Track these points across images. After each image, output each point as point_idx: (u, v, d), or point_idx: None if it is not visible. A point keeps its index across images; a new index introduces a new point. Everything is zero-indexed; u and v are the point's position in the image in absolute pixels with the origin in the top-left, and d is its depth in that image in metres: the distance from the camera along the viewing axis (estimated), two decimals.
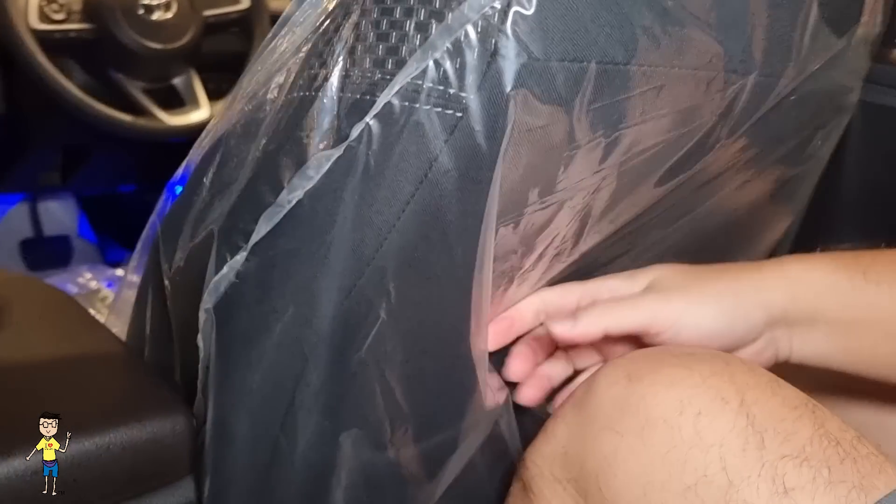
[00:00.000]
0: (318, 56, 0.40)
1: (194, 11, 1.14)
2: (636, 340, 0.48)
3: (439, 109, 0.36)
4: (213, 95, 1.22)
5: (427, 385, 0.44)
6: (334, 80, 0.38)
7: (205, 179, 0.46)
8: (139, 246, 0.58)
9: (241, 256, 0.41)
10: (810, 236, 0.78)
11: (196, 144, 0.51)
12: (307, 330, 0.41)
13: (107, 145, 1.53)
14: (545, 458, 0.44)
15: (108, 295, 1.10)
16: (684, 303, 0.46)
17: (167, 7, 1.11)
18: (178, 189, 0.52)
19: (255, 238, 0.40)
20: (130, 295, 0.61)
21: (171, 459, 0.49)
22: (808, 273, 0.46)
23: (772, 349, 0.46)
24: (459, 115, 0.36)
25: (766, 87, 0.46)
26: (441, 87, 0.36)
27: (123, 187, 1.75)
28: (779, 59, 0.44)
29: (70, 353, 0.54)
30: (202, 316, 0.44)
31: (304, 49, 0.41)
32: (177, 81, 1.18)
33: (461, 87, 0.36)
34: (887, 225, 0.82)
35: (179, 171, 0.53)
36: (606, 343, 0.49)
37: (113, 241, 1.78)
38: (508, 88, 0.35)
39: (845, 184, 0.81)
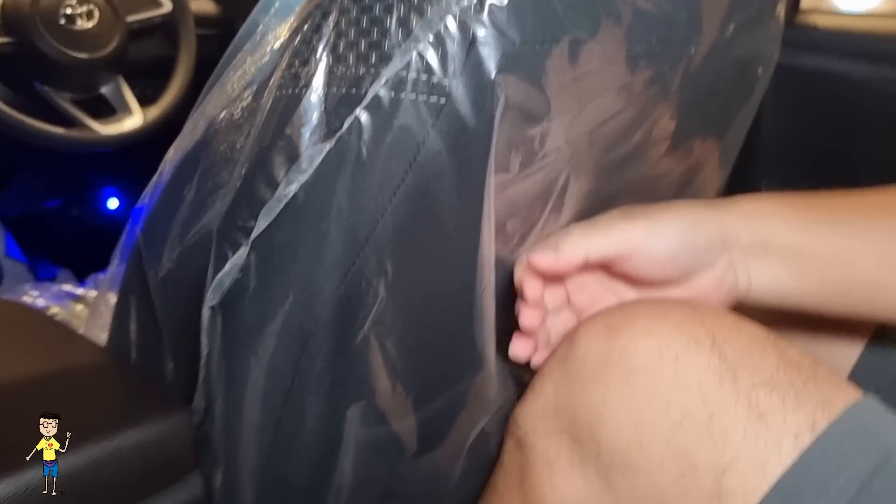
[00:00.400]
0: (299, 55, 0.42)
1: (117, 18, 1.12)
2: (608, 271, 0.52)
3: (424, 97, 0.39)
4: (143, 101, 1.20)
5: (426, 355, 0.47)
6: (319, 76, 0.41)
7: (188, 185, 0.47)
8: (116, 257, 0.59)
9: (242, 252, 0.42)
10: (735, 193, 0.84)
11: (170, 154, 0.52)
12: (307, 315, 0.44)
13: (32, 162, 1.48)
14: (536, 415, 0.48)
15: (58, 311, 1.07)
16: (650, 221, 0.48)
17: (89, 15, 1.09)
18: (156, 198, 0.52)
19: (255, 233, 0.42)
20: (108, 305, 0.61)
21: (176, 457, 0.50)
22: (755, 205, 0.49)
23: (731, 275, 0.49)
24: (443, 100, 0.39)
25: (705, 51, 0.50)
26: (425, 77, 0.38)
27: (49, 203, 1.71)
28: (721, 18, 0.48)
29: (59, 366, 0.54)
30: (206, 313, 0.45)
31: (283, 50, 0.43)
32: (105, 90, 1.16)
33: (444, 75, 0.38)
34: (804, 178, 0.89)
35: (153, 182, 0.54)
36: (580, 279, 0.52)
37: (43, 259, 1.73)
38: (492, 73, 0.38)
39: (764, 143, 0.88)
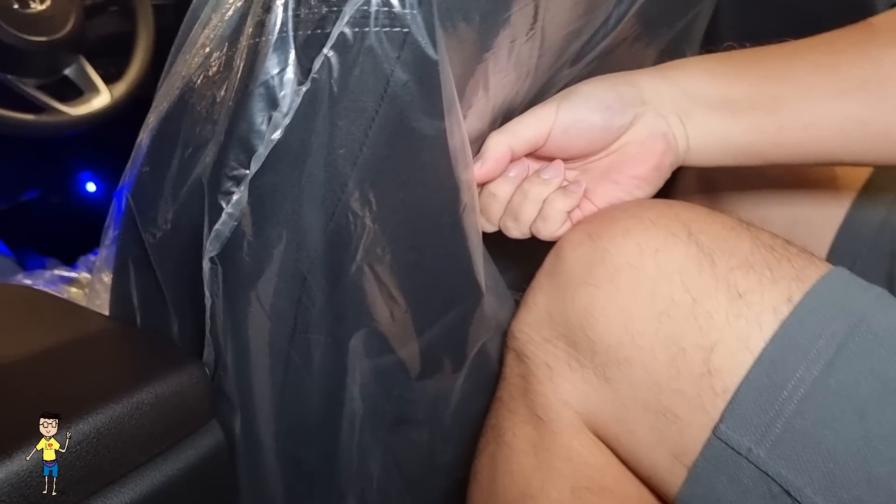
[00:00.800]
0: (262, 4, 0.43)
1: None
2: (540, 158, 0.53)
3: (387, 28, 0.40)
4: (109, 79, 1.20)
5: (420, 278, 0.49)
6: (286, 21, 0.42)
7: (174, 145, 0.49)
8: (107, 233, 0.60)
9: (235, 199, 0.44)
10: None
11: (149, 119, 0.53)
12: (301, 253, 0.46)
13: (4, 155, 1.48)
14: (531, 325, 0.50)
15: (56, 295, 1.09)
16: (559, 99, 0.49)
17: None
18: (141, 164, 0.53)
19: (246, 180, 0.43)
20: (104, 284, 0.63)
21: (195, 407, 0.53)
22: (675, 63, 0.50)
23: (662, 124, 0.49)
24: (406, 30, 0.40)
25: None
26: (386, 9, 0.40)
27: (28, 194, 1.70)
28: None
29: (71, 337, 0.56)
30: (206, 265, 0.47)
31: (247, 1, 0.44)
32: (69, 72, 1.15)
33: (403, 5, 0.40)
34: None
35: (136, 149, 0.55)
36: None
37: (29, 250, 1.73)
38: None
39: (722, 43, 0.89)
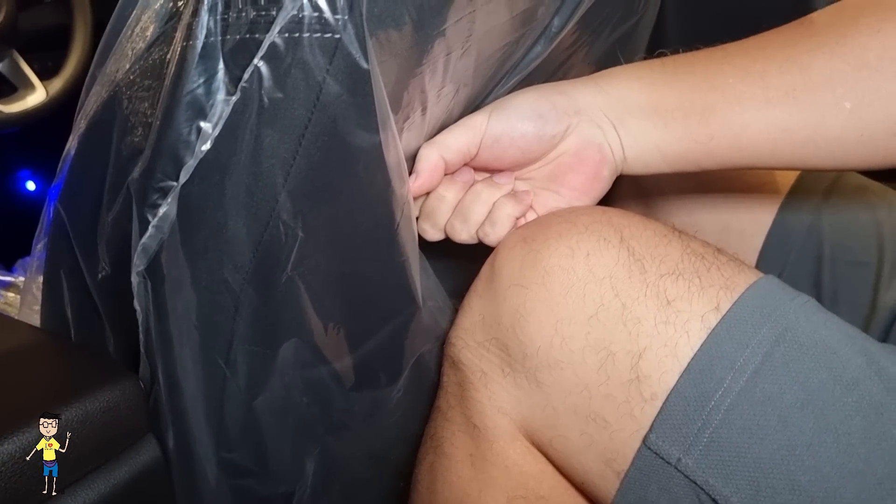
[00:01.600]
0: (188, 7, 0.41)
1: None
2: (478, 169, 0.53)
3: (318, 35, 0.39)
4: (45, 74, 1.16)
5: (353, 289, 0.49)
6: (213, 25, 0.40)
7: (106, 153, 0.47)
8: (39, 237, 0.58)
9: (162, 212, 0.43)
10: None
11: (79, 123, 0.51)
12: (230, 266, 0.45)
13: None
14: (466, 330, 0.50)
15: None
16: (490, 108, 0.50)
17: None
18: (72, 172, 0.52)
19: (173, 194, 0.42)
20: (39, 288, 0.61)
21: (129, 423, 0.51)
22: (610, 71, 0.50)
23: (598, 134, 0.49)
24: (338, 36, 0.39)
25: None
26: (317, 14, 0.39)
27: None
28: None
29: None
30: (135, 280, 0.45)
31: (175, 3, 0.43)
32: (0, 67, 1.11)
33: (334, 10, 0.39)
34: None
35: (65, 155, 0.53)
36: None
37: None
38: (374, 10, 0.39)
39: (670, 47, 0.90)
